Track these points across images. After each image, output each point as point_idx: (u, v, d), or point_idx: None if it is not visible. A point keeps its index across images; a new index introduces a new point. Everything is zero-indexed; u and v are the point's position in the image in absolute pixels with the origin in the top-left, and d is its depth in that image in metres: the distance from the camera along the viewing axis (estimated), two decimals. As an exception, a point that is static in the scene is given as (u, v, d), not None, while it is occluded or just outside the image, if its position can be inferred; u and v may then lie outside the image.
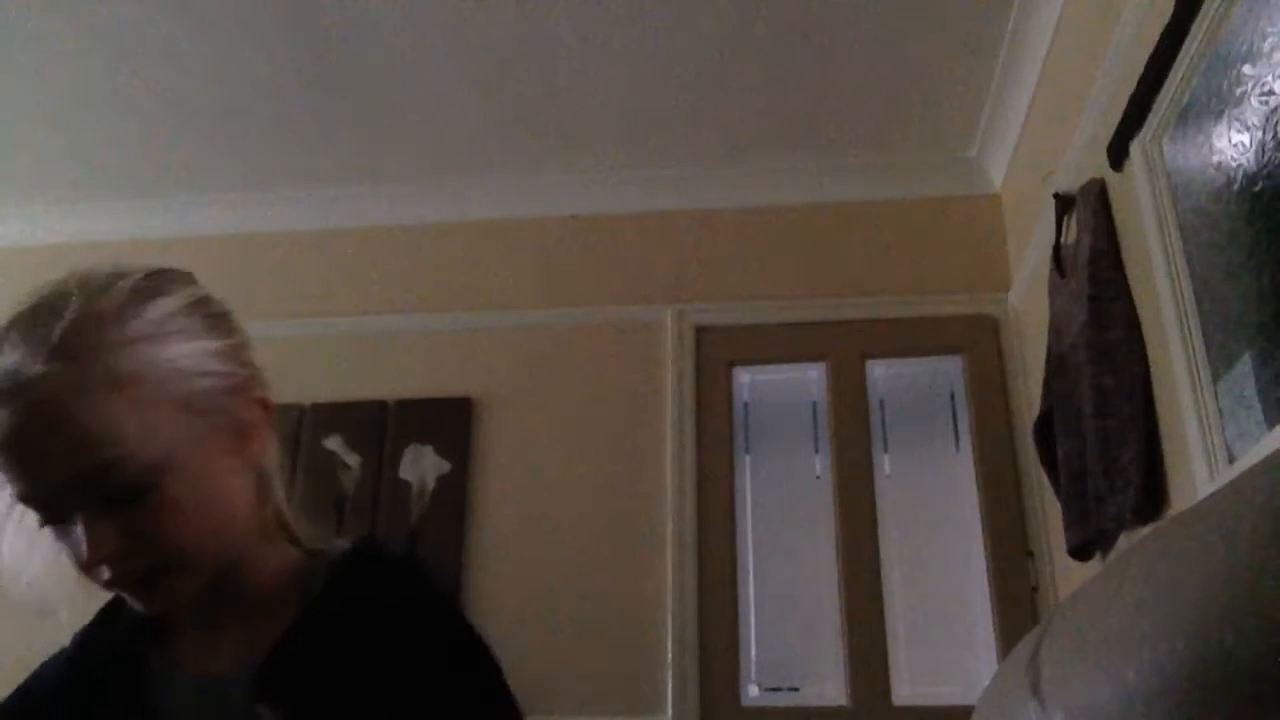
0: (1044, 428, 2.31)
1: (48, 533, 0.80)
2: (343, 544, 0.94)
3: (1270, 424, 1.44)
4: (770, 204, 3.18)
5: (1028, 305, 2.77)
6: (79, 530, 0.75)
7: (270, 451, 0.90)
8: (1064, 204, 2.27)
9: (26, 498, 0.77)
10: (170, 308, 0.82)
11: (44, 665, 0.93)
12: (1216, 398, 1.61)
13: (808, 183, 3.16)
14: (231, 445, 0.84)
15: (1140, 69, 1.79)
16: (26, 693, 0.91)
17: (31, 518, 0.80)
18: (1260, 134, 1.46)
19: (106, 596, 0.88)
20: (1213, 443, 1.60)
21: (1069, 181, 2.27)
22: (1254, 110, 1.47)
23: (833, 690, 2.73)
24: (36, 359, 0.75)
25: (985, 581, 2.72)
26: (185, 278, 0.88)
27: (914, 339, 2.99)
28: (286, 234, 3.33)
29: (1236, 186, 1.53)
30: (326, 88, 2.80)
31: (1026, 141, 2.77)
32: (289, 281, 3.27)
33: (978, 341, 2.94)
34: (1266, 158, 1.44)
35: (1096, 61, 2.09)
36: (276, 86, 2.80)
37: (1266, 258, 1.45)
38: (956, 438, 2.95)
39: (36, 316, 0.77)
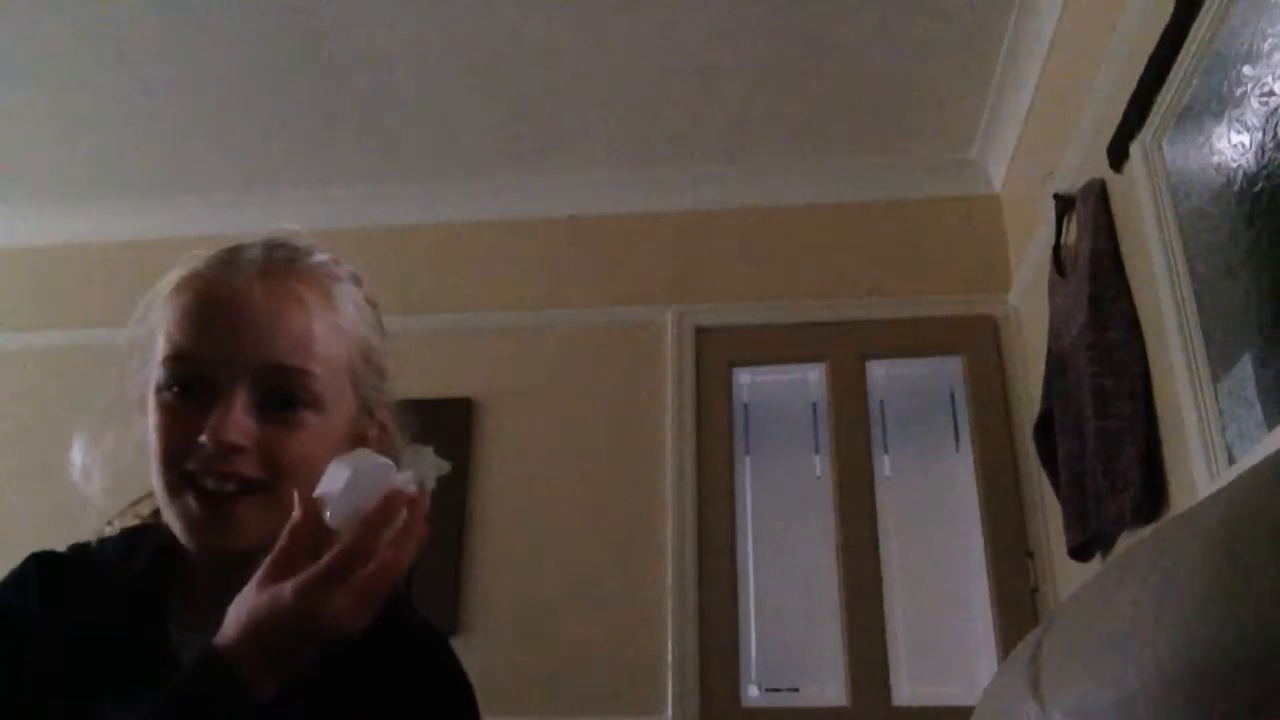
0: (1044, 428, 2.31)
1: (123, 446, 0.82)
2: None
3: (1270, 424, 1.44)
4: (770, 204, 3.18)
5: (1028, 306, 2.77)
6: (218, 411, 0.75)
7: None
8: (1064, 204, 2.27)
9: (197, 358, 0.78)
10: (364, 296, 0.89)
11: None
12: (1216, 398, 1.61)
13: (808, 183, 3.16)
14: (347, 445, 0.83)
15: (1140, 69, 1.79)
16: None
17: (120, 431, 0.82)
18: (1260, 135, 1.46)
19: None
20: (1213, 443, 1.60)
21: (1069, 182, 2.27)
22: (1254, 111, 1.47)
23: (833, 691, 2.73)
24: (289, 256, 0.83)
25: (985, 582, 2.72)
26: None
27: (914, 340, 2.99)
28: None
29: (1236, 187, 1.53)
30: (327, 89, 2.80)
31: (1026, 142, 2.77)
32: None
33: (978, 342, 2.94)
34: (1266, 158, 1.44)
35: (1096, 62, 2.09)
36: (276, 88, 2.80)
37: (1266, 258, 1.45)
38: (956, 438, 2.95)
39: (276, 240, 0.85)
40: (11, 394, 3.21)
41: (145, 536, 0.86)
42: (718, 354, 3.04)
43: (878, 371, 3.02)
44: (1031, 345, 2.70)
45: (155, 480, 0.79)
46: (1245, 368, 1.53)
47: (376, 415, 0.89)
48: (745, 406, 3.07)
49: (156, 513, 0.86)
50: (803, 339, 3.04)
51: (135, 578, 0.83)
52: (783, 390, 3.11)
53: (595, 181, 3.21)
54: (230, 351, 0.77)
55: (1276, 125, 1.41)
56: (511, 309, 3.16)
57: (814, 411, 3.03)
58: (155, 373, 0.80)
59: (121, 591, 0.82)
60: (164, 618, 0.82)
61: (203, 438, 0.74)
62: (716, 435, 2.95)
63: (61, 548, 0.88)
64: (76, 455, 0.87)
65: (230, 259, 0.82)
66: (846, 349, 2.99)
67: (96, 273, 3.31)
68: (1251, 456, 1.48)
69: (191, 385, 0.77)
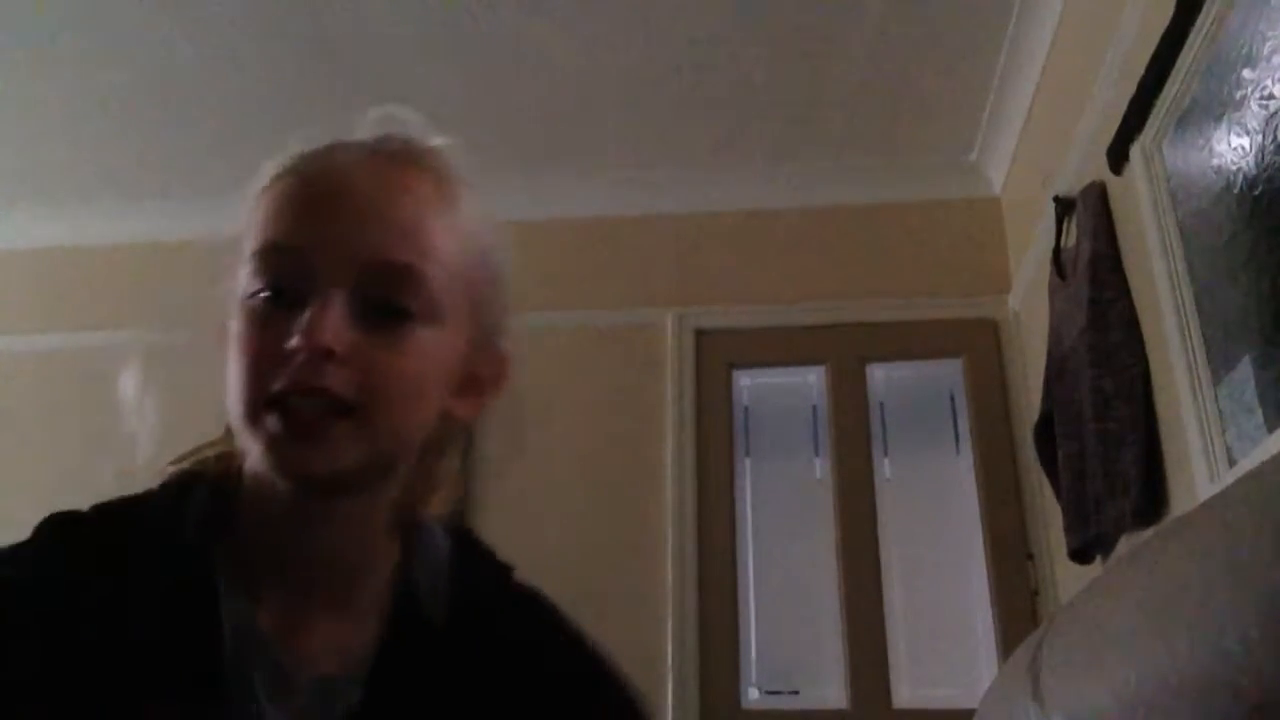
0: (1044, 430, 2.31)
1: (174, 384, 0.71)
2: (433, 526, 0.78)
3: (1270, 427, 1.44)
4: (770, 207, 3.18)
5: (1028, 308, 2.77)
6: (311, 310, 0.63)
7: (473, 421, 0.78)
8: (1064, 207, 2.27)
9: (291, 251, 0.65)
10: (490, 214, 0.78)
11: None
12: (1216, 400, 1.61)
13: (808, 186, 3.16)
14: (457, 381, 0.72)
15: (1140, 72, 1.79)
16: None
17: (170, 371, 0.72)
18: (1260, 138, 1.46)
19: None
20: (1213, 446, 1.60)
21: (1069, 184, 2.27)
22: (1253, 114, 1.47)
23: (833, 693, 2.73)
24: (404, 142, 0.73)
25: (985, 584, 2.72)
26: None
27: (914, 342, 2.99)
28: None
29: (1236, 190, 1.53)
30: (327, 90, 2.80)
31: (1026, 145, 2.78)
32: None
33: (978, 344, 2.94)
34: (1266, 161, 1.44)
35: (1096, 65, 2.09)
36: (277, 89, 2.80)
37: (1266, 261, 1.45)
38: (956, 441, 2.95)
39: (389, 124, 0.75)
40: (11, 396, 3.21)
41: (192, 492, 0.71)
42: (718, 356, 3.04)
43: (878, 374, 3.01)
44: (1031, 348, 2.70)
45: (233, 404, 0.65)
46: (1245, 370, 1.53)
47: (494, 348, 0.76)
48: (745, 409, 3.07)
49: (216, 462, 0.73)
50: (803, 341, 3.04)
51: (180, 551, 0.67)
52: (783, 393, 3.11)
53: (595, 183, 3.21)
54: (329, 243, 0.65)
55: (1276, 128, 1.41)
56: (511, 311, 3.16)
57: (814, 414, 3.03)
58: (241, 279, 0.67)
59: (164, 567, 0.66)
60: (215, 597, 0.66)
61: (293, 340, 0.62)
62: (716, 438, 2.95)
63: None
64: (128, 386, 0.76)
65: (336, 144, 0.71)
66: (846, 351, 2.99)
67: (97, 275, 3.31)
68: (1252, 459, 1.48)
69: (283, 288, 0.65)
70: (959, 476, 2.88)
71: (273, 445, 0.63)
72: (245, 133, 2.99)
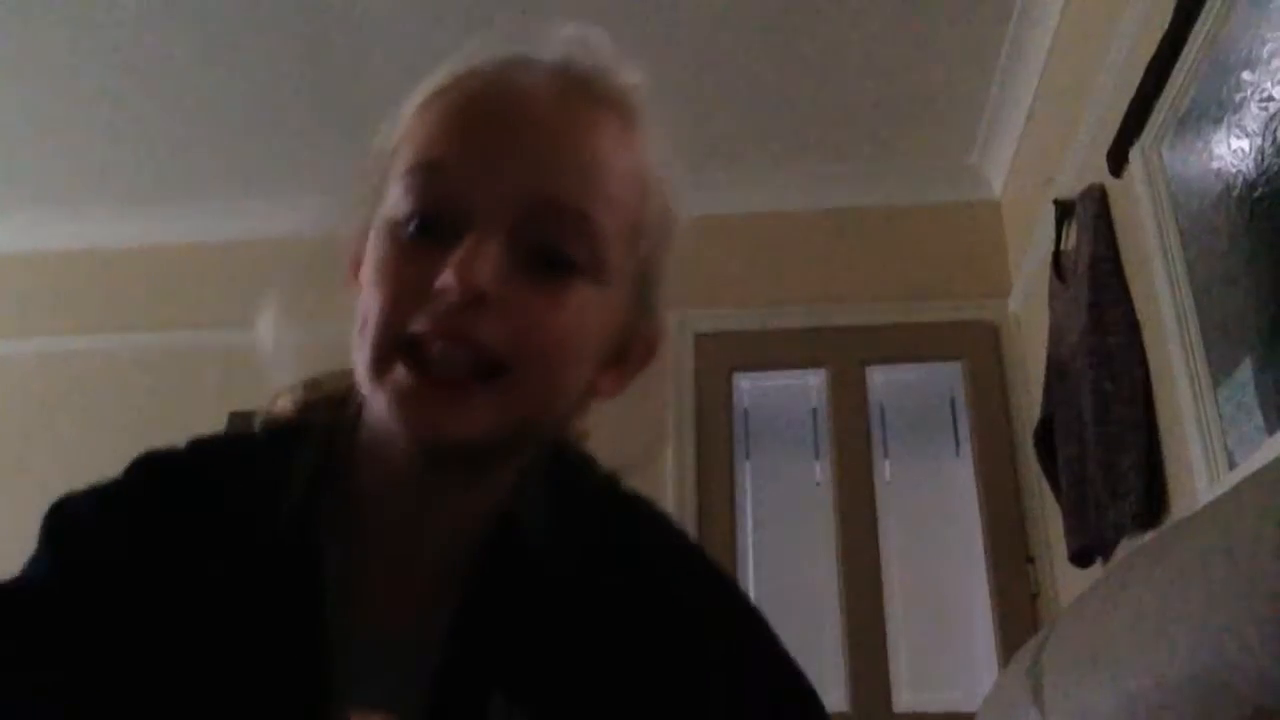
0: (1044, 434, 2.30)
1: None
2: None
3: (1271, 430, 1.44)
4: (770, 210, 3.18)
5: (1028, 311, 2.77)
6: (467, 245, 0.53)
7: (615, 394, 0.67)
8: (1064, 210, 2.27)
9: (449, 174, 0.56)
10: (674, 165, 0.67)
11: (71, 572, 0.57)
12: (1217, 403, 1.61)
13: (808, 189, 3.16)
14: (609, 351, 0.63)
15: (1140, 75, 1.79)
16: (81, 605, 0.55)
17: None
18: (1259, 140, 1.46)
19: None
20: (1213, 448, 1.60)
21: (1069, 187, 2.27)
22: (1253, 116, 1.47)
23: (833, 696, 2.72)
24: (593, 69, 0.62)
25: (986, 588, 2.71)
26: None
27: (914, 345, 2.99)
28: (290, 239, 3.33)
29: (1236, 192, 1.53)
30: (327, 92, 2.80)
31: (1026, 147, 2.78)
32: (291, 285, 3.26)
33: (978, 347, 2.94)
34: (1266, 164, 1.44)
35: (1096, 67, 2.09)
36: (277, 91, 2.81)
37: (1266, 263, 1.45)
38: (957, 444, 2.95)
39: (578, 47, 0.64)
40: (11, 396, 3.21)
41: (300, 441, 0.62)
42: (718, 359, 3.04)
43: (878, 377, 3.01)
44: (1032, 351, 2.70)
45: (359, 345, 0.56)
46: (1245, 373, 1.53)
47: (652, 318, 0.67)
48: (745, 412, 3.07)
49: (333, 402, 0.64)
50: (803, 344, 3.03)
51: (284, 511, 0.58)
52: (783, 396, 3.11)
53: (595, 187, 3.21)
54: (496, 173, 0.56)
55: (1276, 131, 1.41)
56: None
57: (814, 417, 3.03)
58: (388, 201, 0.58)
59: (265, 528, 0.58)
60: (318, 567, 0.58)
61: (441, 278, 0.52)
62: (717, 441, 2.95)
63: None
64: (266, 327, 0.66)
65: (517, 59, 0.61)
66: (846, 354, 2.99)
67: (97, 279, 3.31)
68: (1252, 462, 1.48)
69: (436, 217, 0.56)
70: (959, 479, 2.88)
71: (402, 399, 0.54)
72: (246, 137, 2.99)
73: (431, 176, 0.56)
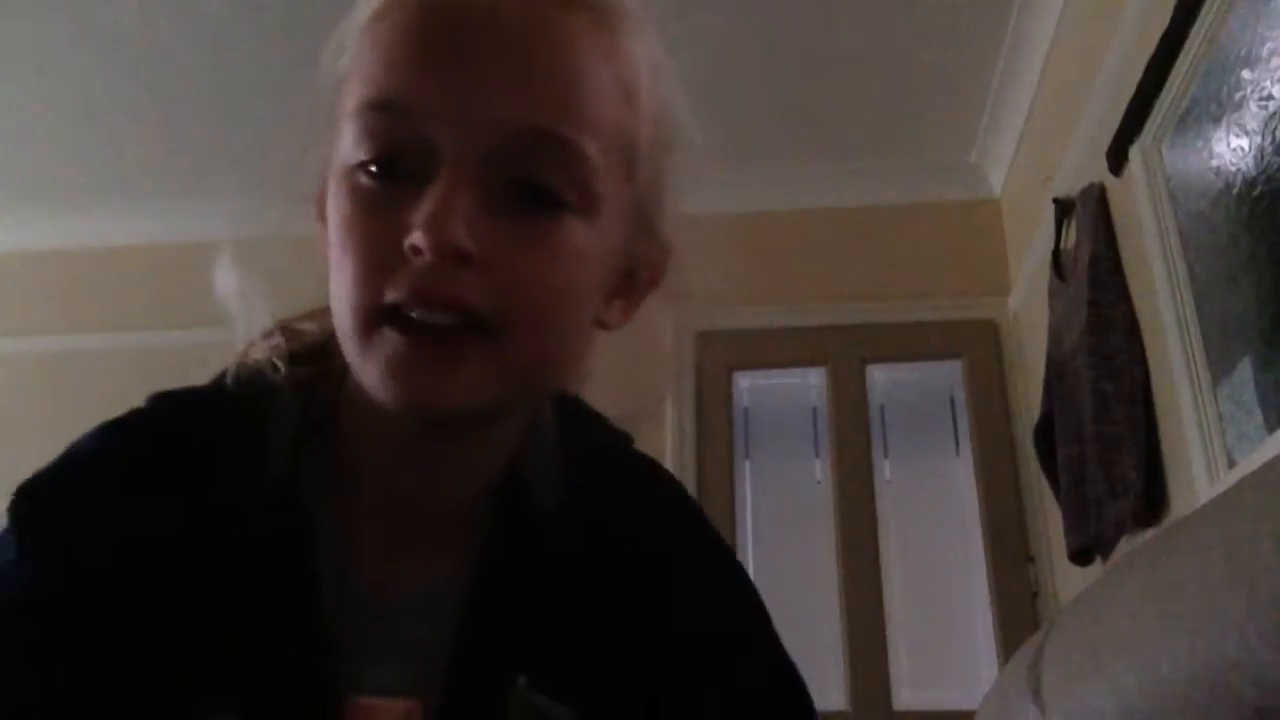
0: (1044, 432, 2.30)
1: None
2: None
3: (1270, 428, 1.44)
4: (770, 209, 3.17)
5: (1028, 310, 2.77)
6: (433, 193, 0.47)
7: (624, 324, 0.63)
8: (1063, 208, 2.27)
9: (407, 109, 0.49)
10: (662, 58, 0.60)
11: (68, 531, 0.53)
12: (1216, 402, 1.61)
13: (807, 187, 3.16)
14: (612, 282, 0.57)
15: (1139, 74, 1.79)
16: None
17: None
18: (1259, 139, 1.46)
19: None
20: (1213, 447, 1.60)
21: (1068, 186, 2.27)
22: (1253, 115, 1.47)
23: (833, 695, 2.72)
24: None
25: (985, 586, 2.71)
26: None
27: (914, 344, 2.99)
28: (289, 239, 3.33)
29: (1235, 191, 1.53)
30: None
31: (1026, 146, 2.78)
32: (292, 286, 3.26)
33: (978, 346, 2.94)
34: (1265, 162, 1.44)
35: (1096, 66, 2.09)
36: (276, 91, 2.80)
37: (1266, 262, 1.45)
38: (957, 442, 2.95)
39: None
40: (11, 396, 3.21)
41: (278, 397, 0.57)
42: (718, 358, 3.04)
43: (878, 376, 3.01)
44: (1031, 349, 2.70)
45: (338, 314, 0.51)
46: (1245, 371, 1.53)
47: (654, 236, 0.60)
48: (745, 411, 3.07)
49: (312, 356, 0.59)
50: (803, 343, 3.03)
51: (265, 475, 0.54)
52: (783, 394, 3.10)
53: (595, 186, 3.21)
54: (459, 102, 0.48)
55: (1275, 129, 1.41)
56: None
57: (814, 416, 3.03)
58: (343, 132, 0.52)
59: (245, 493, 0.53)
60: (308, 537, 0.54)
61: (413, 236, 0.46)
62: (717, 440, 2.94)
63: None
64: (224, 274, 0.62)
65: None
66: (846, 353, 2.99)
67: (95, 278, 3.31)
68: (1252, 460, 1.48)
69: (398, 159, 0.49)
70: (959, 478, 2.88)
71: (391, 370, 0.48)
72: (245, 137, 2.99)
73: (386, 116, 0.49)
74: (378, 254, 0.48)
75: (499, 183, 0.49)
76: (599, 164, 0.51)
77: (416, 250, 0.47)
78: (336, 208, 0.51)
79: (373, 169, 0.49)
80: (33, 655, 0.49)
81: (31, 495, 0.55)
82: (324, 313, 0.56)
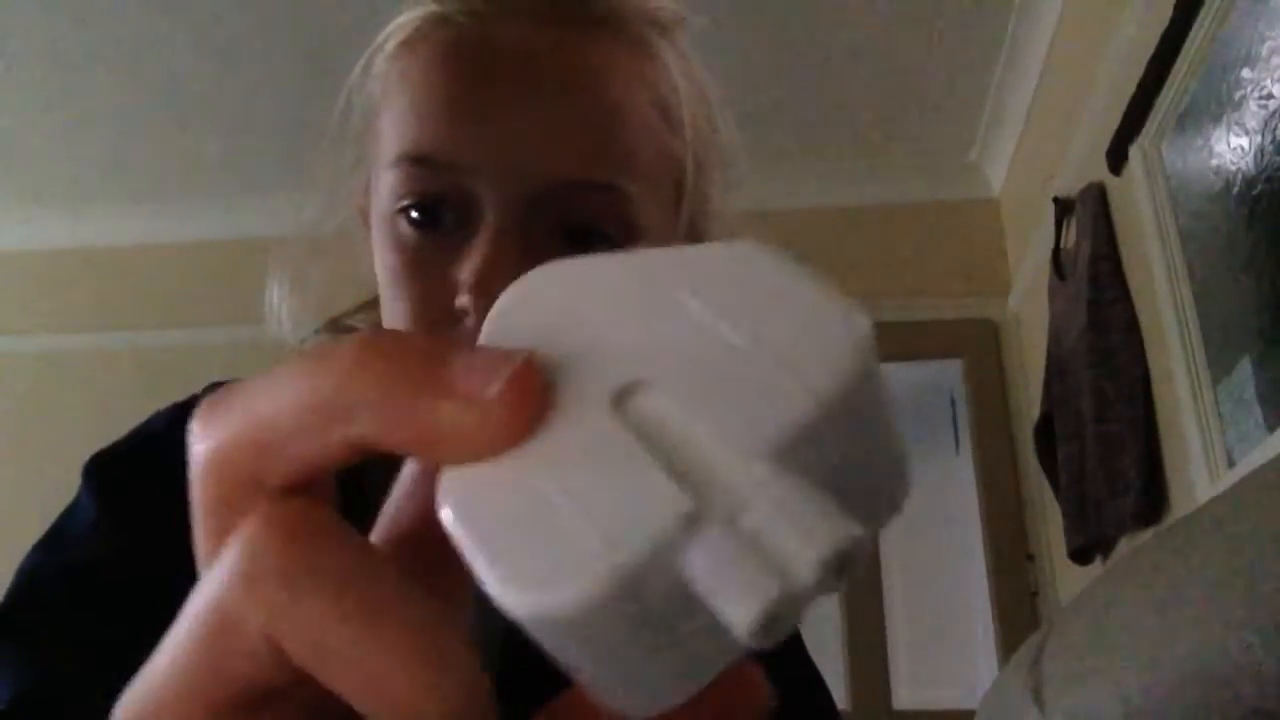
0: (1044, 431, 2.31)
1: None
2: None
3: (1270, 427, 1.44)
4: (768, 209, 3.15)
5: (1027, 309, 2.77)
6: (478, 246, 0.47)
7: None
8: (1063, 208, 2.27)
9: (445, 165, 0.48)
10: (698, 65, 0.57)
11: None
12: (1216, 401, 1.61)
13: (806, 187, 3.16)
14: None
15: (1139, 73, 1.79)
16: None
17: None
18: (1259, 138, 1.46)
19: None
20: (1213, 446, 1.61)
21: (1068, 185, 2.28)
22: (1253, 114, 1.47)
23: (833, 694, 2.73)
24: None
25: (985, 585, 2.72)
26: None
27: (913, 343, 2.99)
28: (290, 239, 3.33)
29: (1235, 190, 1.53)
30: (328, 92, 2.80)
31: (1026, 145, 2.78)
32: (291, 286, 3.26)
33: (977, 345, 2.94)
34: (1265, 161, 1.44)
35: (1095, 65, 2.09)
36: (279, 91, 2.80)
37: (1266, 261, 1.45)
38: (956, 441, 2.95)
39: None
40: (11, 396, 3.21)
41: None
42: (717, 357, 3.04)
43: (877, 375, 3.01)
44: (1031, 349, 2.70)
45: None
46: (1245, 370, 1.53)
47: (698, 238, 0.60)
48: (745, 410, 3.07)
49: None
50: (802, 342, 3.03)
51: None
52: (782, 394, 3.11)
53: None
54: (493, 154, 0.48)
55: (1275, 128, 1.41)
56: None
57: (814, 415, 3.03)
58: (381, 178, 0.51)
59: None
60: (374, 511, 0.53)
61: (460, 301, 0.47)
62: (716, 439, 2.94)
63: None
64: (273, 296, 0.62)
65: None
66: (846, 352, 2.99)
67: (96, 277, 3.31)
68: (1251, 460, 1.48)
69: (440, 206, 0.49)
70: (959, 477, 2.88)
71: None
72: (247, 137, 2.99)
73: (422, 170, 0.49)
74: (430, 316, 0.49)
75: (541, 228, 0.48)
76: (643, 201, 0.50)
77: (465, 313, 0.47)
78: (382, 255, 0.51)
79: (414, 215, 0.49)
80: (121, 611, 0.48)
81: (110, 463, 0.55)
82: (374, 305, 0.56)
